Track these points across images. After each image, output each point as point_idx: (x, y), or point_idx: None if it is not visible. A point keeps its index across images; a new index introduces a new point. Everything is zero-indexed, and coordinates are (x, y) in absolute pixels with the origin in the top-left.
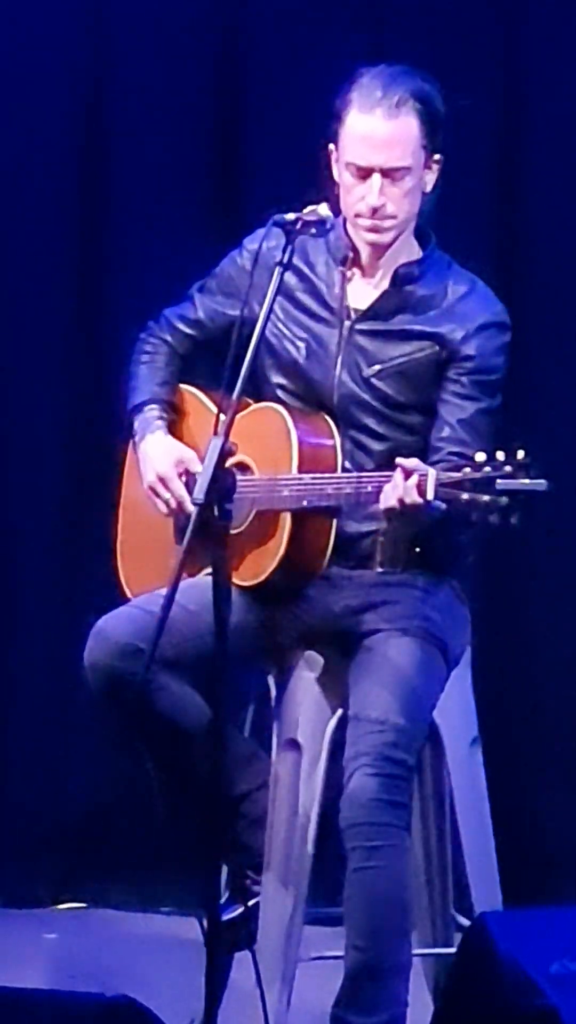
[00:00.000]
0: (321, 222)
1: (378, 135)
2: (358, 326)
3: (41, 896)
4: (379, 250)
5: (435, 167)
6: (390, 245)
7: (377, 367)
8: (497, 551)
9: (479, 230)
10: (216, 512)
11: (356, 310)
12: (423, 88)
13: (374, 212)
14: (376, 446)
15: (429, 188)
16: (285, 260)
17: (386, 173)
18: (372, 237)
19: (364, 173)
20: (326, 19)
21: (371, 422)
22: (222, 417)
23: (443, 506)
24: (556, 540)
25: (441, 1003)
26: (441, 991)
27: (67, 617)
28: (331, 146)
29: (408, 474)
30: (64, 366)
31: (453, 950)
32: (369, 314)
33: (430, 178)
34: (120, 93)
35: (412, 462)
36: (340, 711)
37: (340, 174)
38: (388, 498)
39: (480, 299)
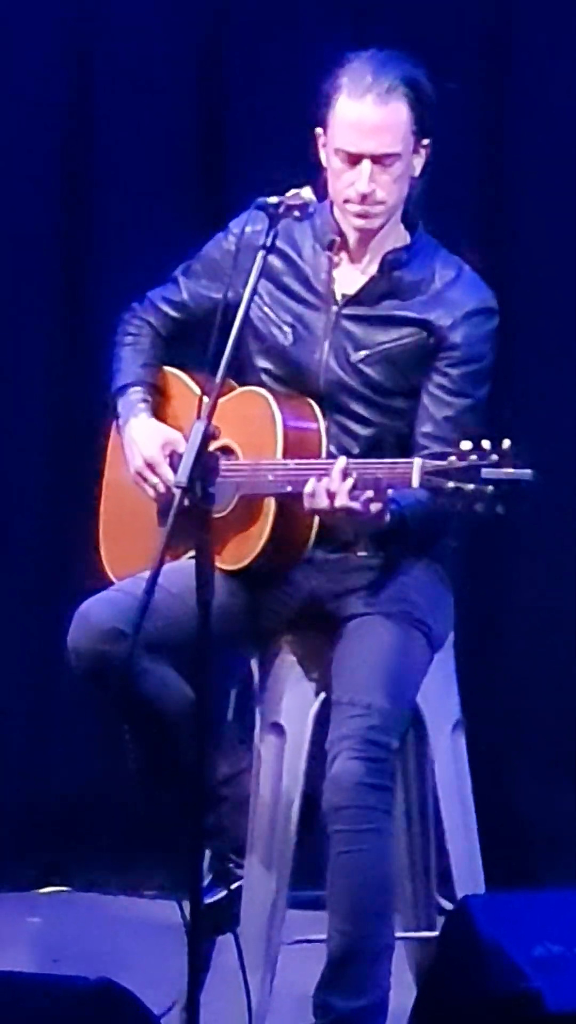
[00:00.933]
0: (304, 206)
1: (368, 122)
2: (345, 311)
3: (25, 880)
4: (367, 235)
5: (423, 152)
6: (378, 230)
7: (364, 352)
8: (480, 536)
9: (466, 214)
10: (199, 495)
11: (343, 295)
12: (413, 73)
13: (363, 198)
14: (362, 431)
15: (417, 172)
16: (268, 243)
17: (376, 159)
18: (361, 223)
19: (354, 159)
20: (312, 2)
21: (357, 407)
22: (205, 400)
23: (385, 516)
24: (539, 525)
25: (424, 986)
26: (424, 974)
27: (50, 602)
28: (319, 130)
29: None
30: (48, 349)
31: (436, 933)
32: (356, 299)
33: (418, 162)
34: (105, 76)
35: (338, 468)
36: (323, 694)
37: (328, 159)
38: (316, 495)
39: (468, 285)
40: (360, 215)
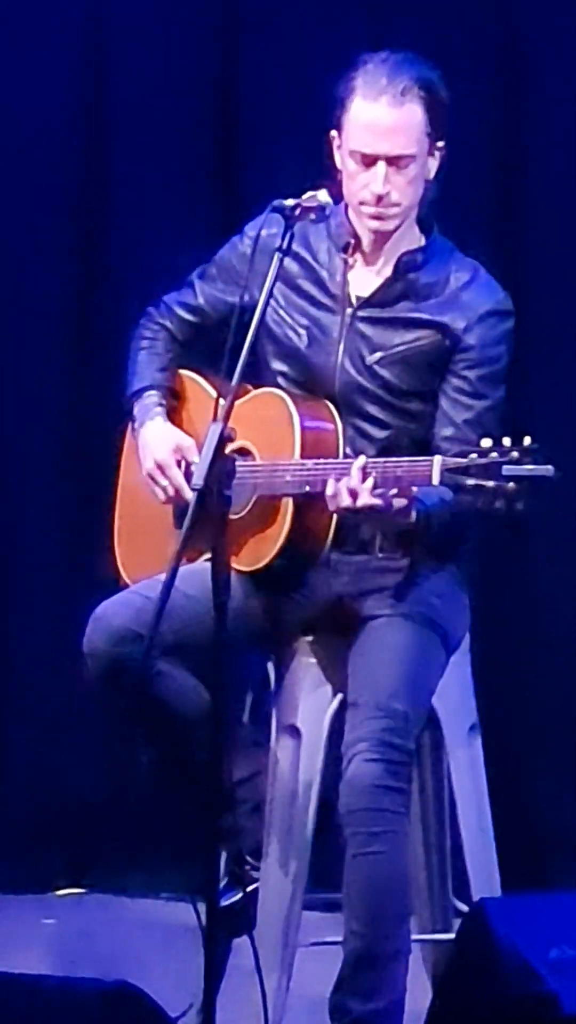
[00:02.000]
0: (320, 208)
1: (383, 123)
2: (360, 313)
3: (41, 882)
4: (382, 237)
5: (438, 154)
6: (393, 232)
7: (379, 354)
8: (497, 537)
9: (480, 217)
10: (215, 497)
11: (358, 297)
12: (427, 75)
13: (379, 200)
14: (377, 433)
15: (432, 175)
16: (284, 246)
17: (391, 161)
18: (376, 225)
19: (369, 160)
20: (326, 4)
21: (372, 409)
22: (221, 402)
23: (411, 515)
24: (557, 525)
25: (440, 988)
26: (440, 977)
27: (67, 604)
28: (333, 132)
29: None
30: (64, 353)
31: (452, 936)
32: (371, 301)
33: (433, 164)
34: (120, 80)
35: (358, 466)
36: (339, 696)
37: (343, 161)
38: (338, 495)
39: (482, 287)
40: (375, 216)
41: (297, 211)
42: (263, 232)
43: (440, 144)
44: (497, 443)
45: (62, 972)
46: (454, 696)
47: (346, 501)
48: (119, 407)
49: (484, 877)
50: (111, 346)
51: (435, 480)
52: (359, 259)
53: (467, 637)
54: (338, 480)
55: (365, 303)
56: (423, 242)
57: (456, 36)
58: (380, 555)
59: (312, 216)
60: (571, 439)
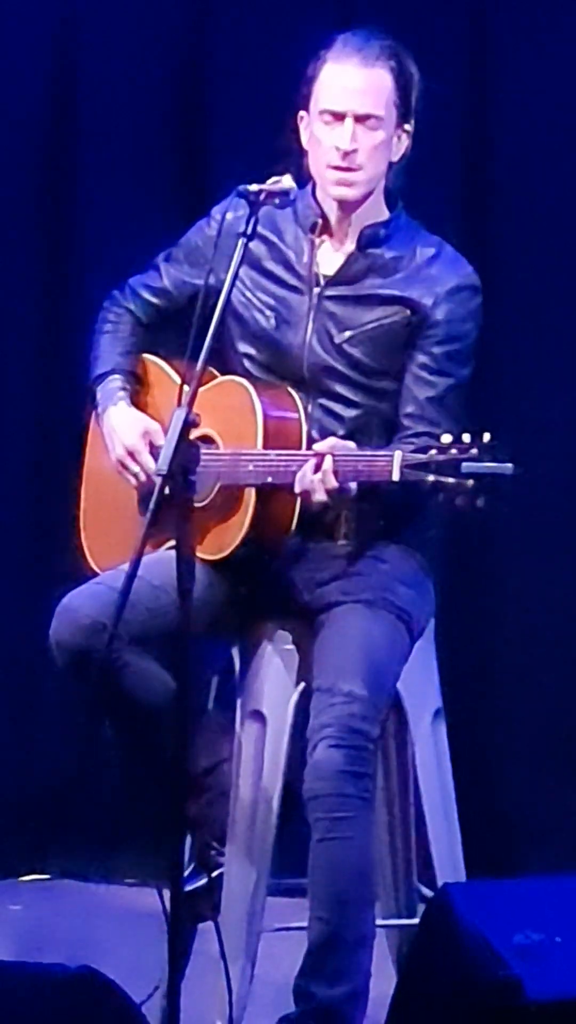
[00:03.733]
0: (284, 193)
1: (353, 82)
2: (327, 292)
3: (5, 868)
4: (349, 207)
5: (404, 137)
6: (358, 204)
7: (348, 333)
8: (461, 524)
9: (448, 207)
10: (180, 483)
11: (324, 276)
12: (397, 49)
13: (345, 156)
14: (347, 412)
15: (397, 157)
16: (248, 231)
17: (359, 119)
18: (341, 192)
19: (338, 118)
20: None
21: (342, 389)
22: (186, 387)
23: (353, 487)
24: (521, 513)
25: (404, 974)
26: (404, 962)
27: (31, 591)
28: (301, 113)
29: (319, 464)
30: (30, 339)
31: (416, 921)
32: (337, 279)
33: (399, 147)
34: (87, 65)
35: (327, 443)
36: (304, 683)
37: (311, 128)
38: (315, 490)
39: (449, 262)
40: (341, 182)
41: (261, 196)
42: (229, 215)
43: (407, 127)
44: (457, 439)
45: (27, 958)
46: (419, 682)
47: (319, 495)
48: (84, 396)
49: (449, 862)
50: (77, 335)
51: (395, 475)
52: (326, 239)
53: (432, 623)
54: (312, 472)
55: (332, 281)
56: (387, 216)
57: (425, 24)
58: (343, 541)
59: (277, 201)
60: (533, 430)
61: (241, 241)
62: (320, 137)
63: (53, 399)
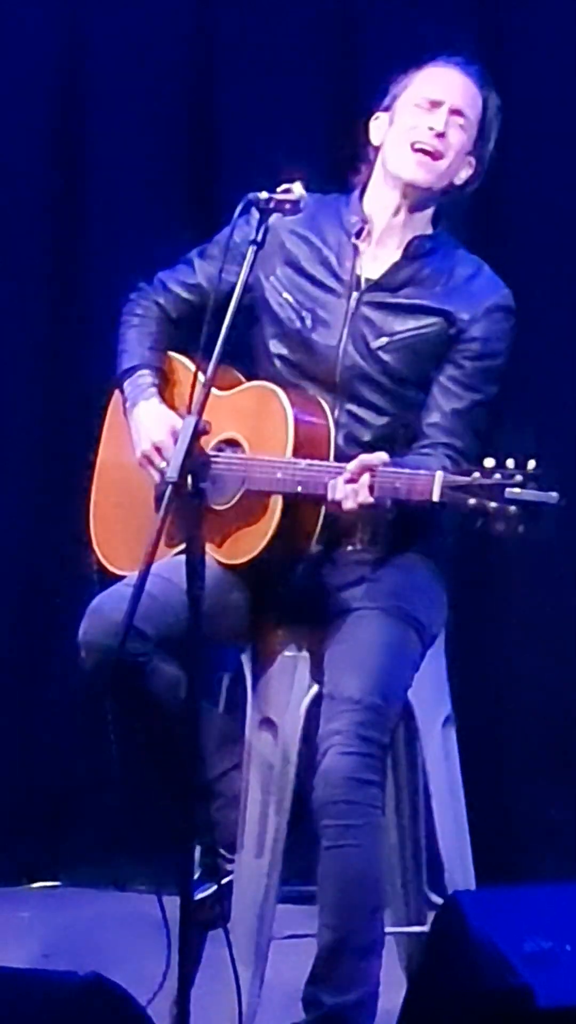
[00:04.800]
0: (295, 202)
1: (454, 80)
2: (366, 297)
3: (14, 875)
4: (413, 194)
5: (470, 166)
6: (419, 203)
7: (384, 339)
8: (473, 532)
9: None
10: (190, 490)
11: (367, 279)
12: (491, 88)
13: (437, 136)
14: (376, 420)
15: (459, 181)
16: (259, 239)
17: (453, 111)
18: (419, 172)
19: (435, 105)
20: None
21: (373, 395)
22: (198, 390)
23: (388, 503)
24: None
25: (414, 981)
26: (414, 970)
27: (39, 593)
28: (378, 115)
29: (358, 476)
30: (40, 338)
31: (426, 928)
32: (379, 285)
33: (463, 170)
34: (96, 69)
35: (368, 459)
36: (315, 689)
37: (394, 120)
38: (347, 499)
39: (487, 281)
40: (422, 163)
41: (271, 204)
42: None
43: (473, 160)
44: (500, 464)
45: (36, 965)
46: (429, 689)
47: (349, 504)
48: (91, 393)
49: (458, 870)
50: (83, 336)
51: (435, 496)
52: (369, 244)
53: (443, 631)
54: (347, 482)
55: (372, 287)
56: (432, 232)
57: (433, 26)
58: (358, 547)
59: (287, 207)
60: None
61: (251, 249)
62: (410, 121)
63: (60, 398)
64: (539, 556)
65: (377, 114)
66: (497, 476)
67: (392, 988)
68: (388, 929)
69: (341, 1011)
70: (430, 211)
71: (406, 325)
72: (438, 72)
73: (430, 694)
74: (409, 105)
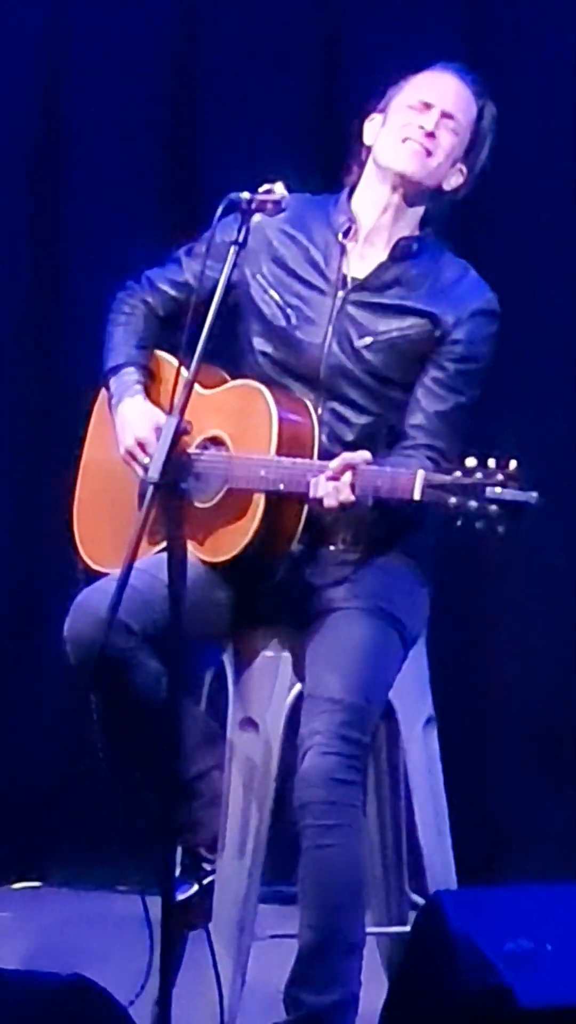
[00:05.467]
0: (277, 202)
1: (449, 85)
2: (352, 296)
3: None
4: (403, 187)
5: (459, 173)
6: (408, 200)
7: (369, 339)
8: (455, 532)
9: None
10: (171, 491)
11: (353, 279)
12: (487, 98)
13: (427, 136)
14: (358, 419)
15: (448, 187)
16: (240, 239)
17: (445, 115)
18: (411, 163)
19: (427, 107)
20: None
21: (354, 394)
22: (184, 383)
23: (369, 501)
24: None
25: (395, 981)
26: (395, 970)
27: (20, 594)
28: (373, 116)
29: (340, 474)
30: (22, 336)
31: (407, 929)
32: (365, 284)
33: (452, 177)
34: (76, 65)
35: (349, 457)
36: (297, 689)
37: (388, 119)
38: (328, 497)
39: (473, 284)
40: (415, 153)
41: (253, 204)
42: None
43: (463, 167)
44: (482, 463)
45: (18, 966)
46: (410, 689)
47: (330, 501)
48: (76, 391)
49: (440, 870)
50: (65, 335)
51: (416, 495)
52: (356, 244)
53: (424, 631)
54: (329, 480)
55: (358, 286)
56: (419, 234)
57: (423, 23)
58: (340, 547)
59: (269, 207)
60: (531, 441)
61: (232, 249)
62: (402, 120)
63: (44, 396)
64: (521, 557)
65: (372, 115)
66: (478, 476)
67: (373, 988)
68: (369, 929)
69: (322, 1011)
70: (418, 213)
71: (391, 325)
72: (434, 76)
73: (412, 694)
74: (402, 106)
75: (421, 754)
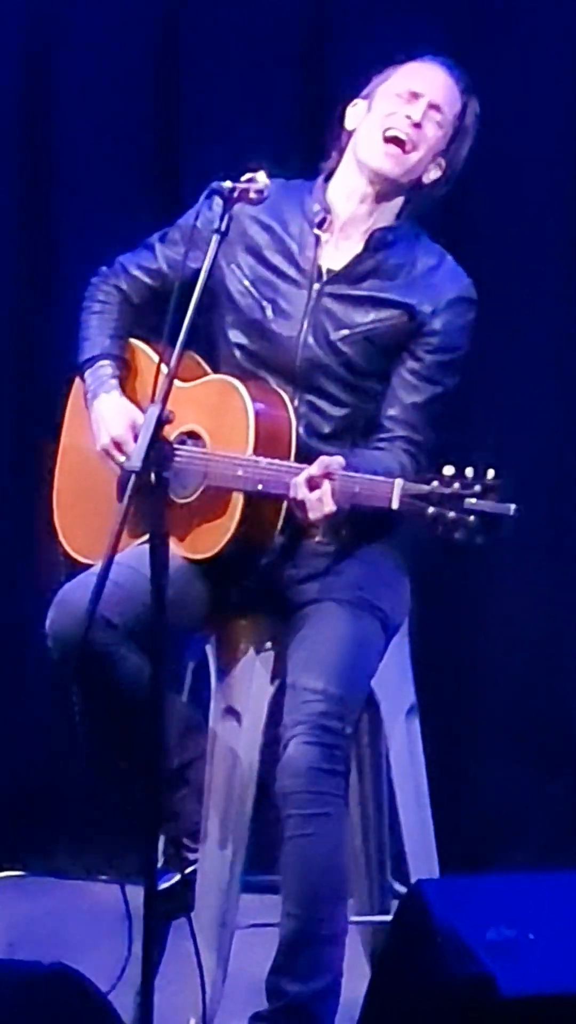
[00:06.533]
0: (260, 190)
1: (437, 77)
2: (327, 288)
3: None
4: (379, 183)
5: (438, 167)
6: (384, 194)
7: (345, 331)
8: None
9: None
10: (153, 481)
11: (329, 271)
12: (472, 94)
13: (412, 126)
14: (335, 411)
15: (427, 180)
16: (222, 228)
17: (431, 106)
18: (387, 162)
19: (415, 97)
20: None
21: (331, 387)
22: (162, 376)
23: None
24: None
25: (377, 970)
26: (378, 958)
27: (1, 587)
28: (356, 101)
29: (320, 480)
30: (6, 331)
31: (390, 917)
32: (340, 276)
33: (432, 170)
34: (64, 58)
35: (325, 463)
36: (279, 680)
37: (372, 106)
38: (313, 511)
39: (449, 273)
40: (392, 154)
41: (236, 193)
42: (203, 211)
43: (443, 161)
44: (459, 473)
45: (1, 955)
46: (392, 678)
47: (316, 515)
48: (58, 380)
49: (422, 859)
50: (53, 321)
51: (394, 504)
52: (331, 235)
53: (406, 620)
54: (310, 489)
55: (334, 278)
56: (394, 223)
57: (412, 15)
58: (321, 539)
59: (252, 196)
60: (513, 443)
61: (215, 239)
62: (388, 108)
63: (26, 384)
64: (504, 542)
65: (356, 101)
66: (456, 486)
67: (356, 977)
68: (352, 918)
69: (304, 1000)
70: (397, 204)
71: (367, 317)
72: (423, 67)
73: (394, 684)
74: (389, 94)
75: (403, 743)
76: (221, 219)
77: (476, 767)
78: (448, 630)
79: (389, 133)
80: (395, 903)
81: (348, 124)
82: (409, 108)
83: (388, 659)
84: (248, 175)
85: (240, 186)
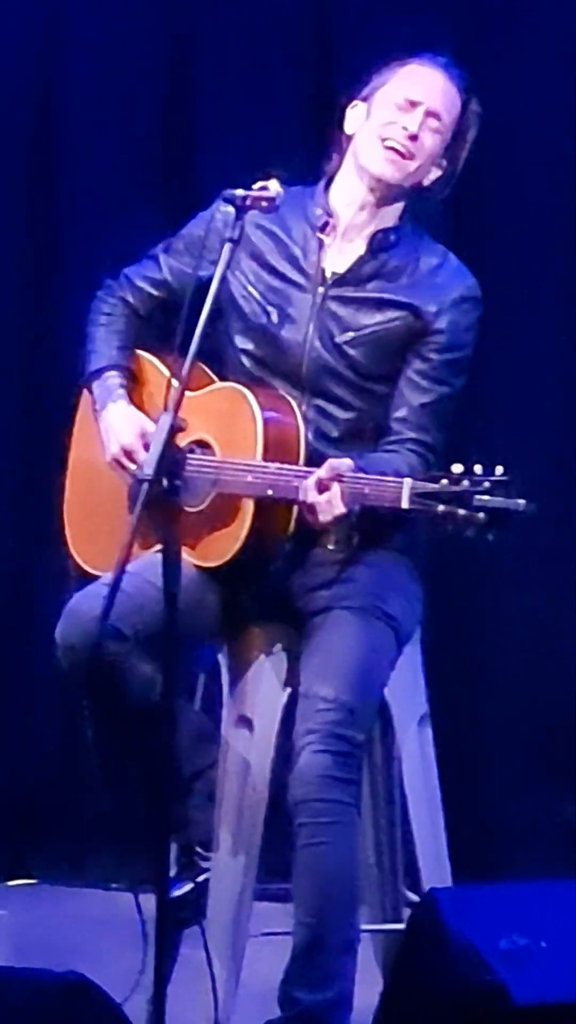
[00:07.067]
0: (271, 199)
1: (435, 82)
2: (332, 292)
3: None
4: (380, 188)
5: (439, 169)
6: (386, 199)
7: (351, 334)
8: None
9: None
10: (165, 488)
11: (333, 274)
12: (472, 94)
13: (409, 138)
14: (342, 415)
15: (427, 182)
16: (235, 236)
17: (429, 114)
18: (387, 168)
19: (413, 105)
20: None
21: (338, 390)
22: (175, 387)
23: (356, 508)
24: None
25: (390, 979)
26: (390, 967)
27: (11, 597)
28: (356, 103)
29: (330, 483)
30: (16, 342)
31: (402, 926)
32: (344, 279)
33: (432, 173)
34: (73, 64)
35: (334, 465)
36: (291, 688)
37: (371, 112)
38: (323, 513)
39: (453, 272)
40: (391, 160)
41: (248, 201)
42: (219, 214)
43: (444, 162)
44: (469, 470)
45: (13, 963)
46: (405, 687)
47: (326, 517)
48: (70, 388)
49: (435, 867)
50: (61, 332)
51: (404, 504)
52: (334, 239)
53: (418, 628)
54: (319, 492)
55: (338, 281)
56: (396, 224)
57: (413, 15)
58: (333, 547)
59: (264, 204)
60: (523, 442)
61: (227, 247)
62: (386, 117)
63: (36, 396)
64: (516, 551)
65: (355, 102)
66: (465, 483)
67: (368, 986)
68: (364, 927)
69: (317, 1009)
70: (398, 207)
71: (372, 319)
72: (421, 71)
73: (406, 692)
74: (387, 101)
75: (416, 752)
76: (233, 227)
77: (488, 776)
78: (460, 639)
79: (387, 144)
80: (407, 912)
81: (348, 128)
82: (406, 118)
83: (401, 668)
84: (260, 183)
85: (253, 194)
